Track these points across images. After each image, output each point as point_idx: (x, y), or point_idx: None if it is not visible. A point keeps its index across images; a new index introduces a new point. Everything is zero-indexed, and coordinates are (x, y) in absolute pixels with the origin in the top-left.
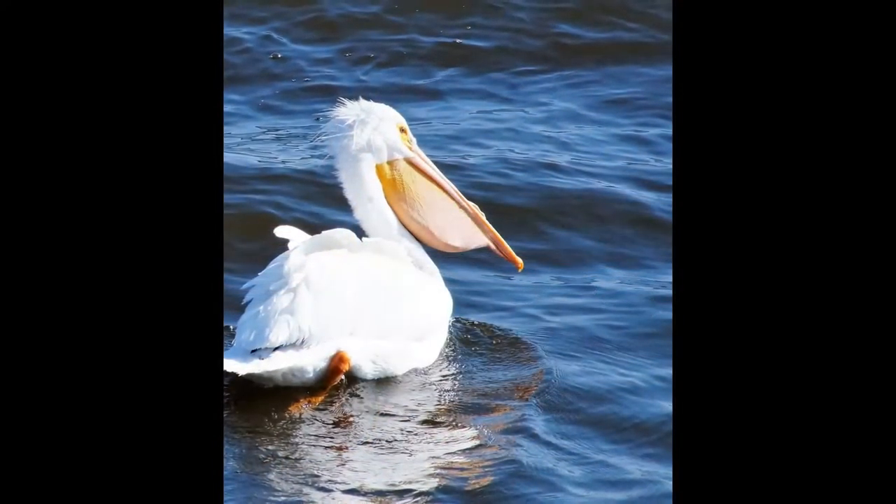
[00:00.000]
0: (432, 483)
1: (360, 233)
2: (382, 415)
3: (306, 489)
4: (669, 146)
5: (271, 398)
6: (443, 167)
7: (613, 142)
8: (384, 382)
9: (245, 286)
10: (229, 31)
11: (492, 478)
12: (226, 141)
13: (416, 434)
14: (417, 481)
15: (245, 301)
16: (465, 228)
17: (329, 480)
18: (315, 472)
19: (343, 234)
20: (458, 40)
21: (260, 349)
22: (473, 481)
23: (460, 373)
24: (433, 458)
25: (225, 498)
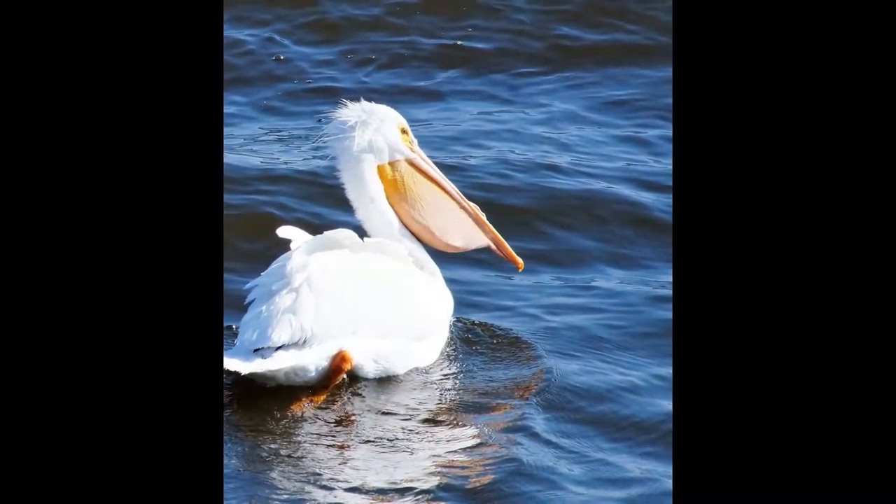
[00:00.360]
0: (433, 481)
1: (362, 233)
2: (384, 413)
3: (308, 487)
4: (668, 147)
5: (274, 397)
6: (444, 168)
7: (613, 143)
8: (386, 381)
9: (248, 286)
10: (232, 33)
11: (492, 476)
12: (229, 142)
13: (417, 433)
14: (419, 479)
15: (248, 301)
16: (465, 229)
17: (331, 479)
18: (317, 471)
19: (345, 235)
20: (458, 42)
21: (262, 348)
22: (474, 479)
23: (461, 372)
24: (434, 456)
25: (228, 496)
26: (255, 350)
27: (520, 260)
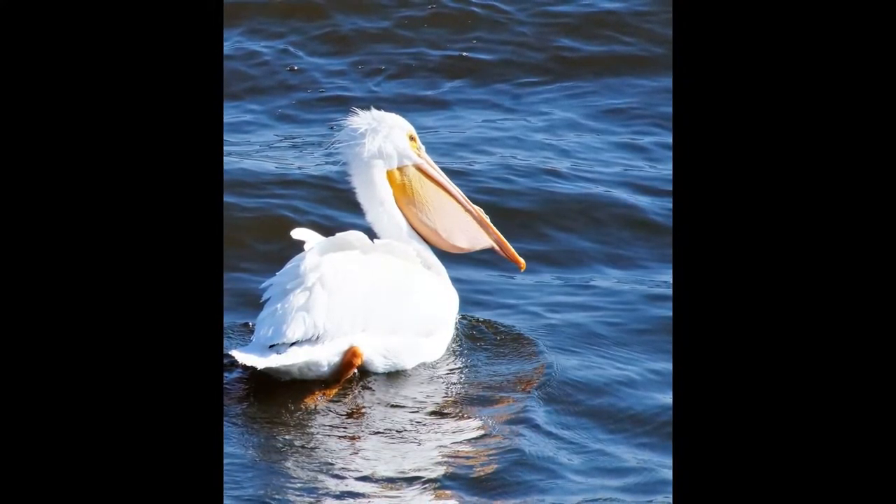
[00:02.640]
0: (440, 471)
1: (372, 235)
2: (393, 406)
3: (321, 476)
4: (664, 153)
5: (288, 391)
6: (450, 173)
7: (611, 149)
8: (394, 376)
9: (263, 285)
10: (248, 44)
11: (496, 466)
12: (245, 148)
13: (424, 424)
14: (426, 469)
15: (263, 299)
16: (470, 230)
17: (343, 468)
18: (329, 461)
19: (356, 236)
20: (464, 53)
21: (277, 344)
22: (479, 469)
23: (466, 367)
24: (441, 447)
25: (245, 484)
26: (271, 346)
27: (522, 260)
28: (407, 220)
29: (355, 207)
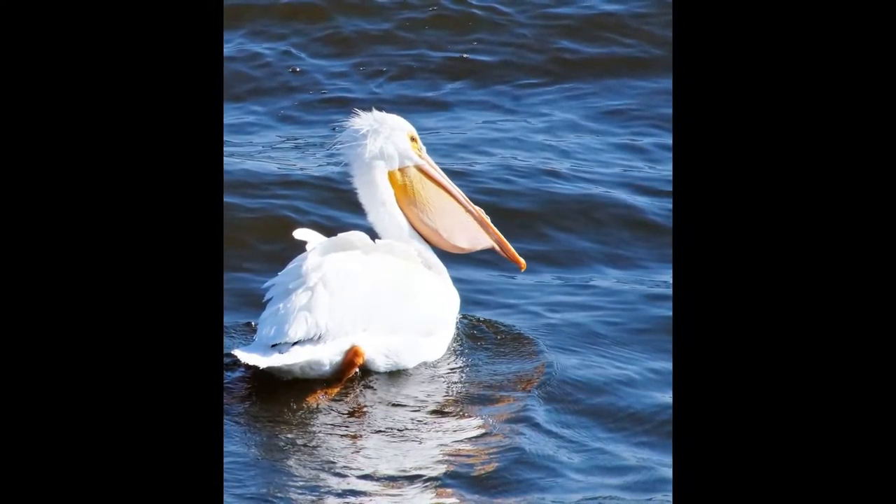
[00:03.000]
0: (441, 469)
1: (374, 235)
2: (394, 405)
3: (323, 475)
4: (663, 154)
5: (290, 390)
6: (450, 174)
7: (610, 150)
8: (396, 375)
9: (266, 285)
10: (251, 46)
11: (496, 464)
12: (248, 149)
13: (425, 423)
14: (427, 467)
15: (266, 299)
16: (471, 231)
17: (344, 466)
18: (331, 459)
19: (357, 237)
20: (464, 55)
21: (280, 344)
22: (479, 467)
23: (467, 366)
24: (442, 445)
25: (247, 483)
26: (273, 345)
27: (522, 260)
28: (408, 220)
29: (357, 208)
